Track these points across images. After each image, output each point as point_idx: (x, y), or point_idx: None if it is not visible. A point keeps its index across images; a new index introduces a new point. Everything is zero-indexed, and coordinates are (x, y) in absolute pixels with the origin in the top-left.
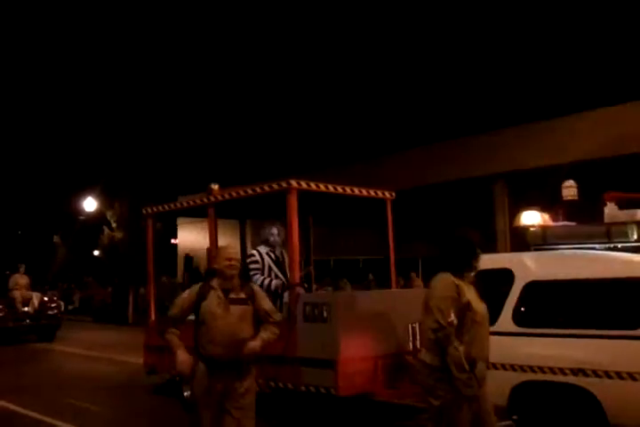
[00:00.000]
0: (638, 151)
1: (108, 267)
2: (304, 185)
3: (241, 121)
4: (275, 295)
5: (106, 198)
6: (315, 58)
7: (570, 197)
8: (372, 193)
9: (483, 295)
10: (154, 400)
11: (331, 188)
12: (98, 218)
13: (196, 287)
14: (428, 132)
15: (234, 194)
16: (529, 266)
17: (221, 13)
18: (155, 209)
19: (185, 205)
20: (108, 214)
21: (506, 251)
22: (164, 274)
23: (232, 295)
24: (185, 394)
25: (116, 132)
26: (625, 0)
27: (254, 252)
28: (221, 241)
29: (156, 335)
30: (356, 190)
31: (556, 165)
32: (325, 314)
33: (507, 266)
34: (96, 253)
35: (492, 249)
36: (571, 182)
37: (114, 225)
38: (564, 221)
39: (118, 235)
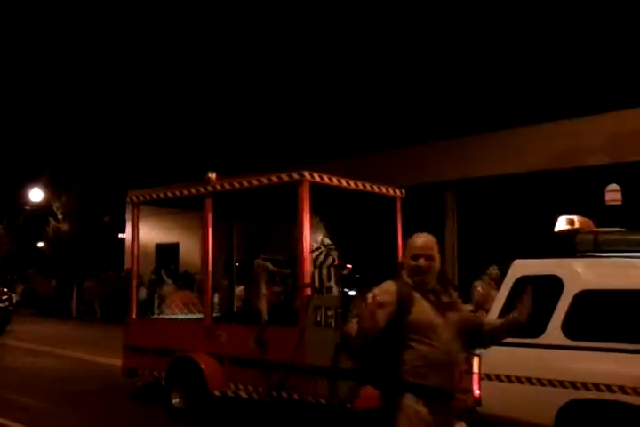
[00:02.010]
0: (588, 164)
1: (52, 259)
2: (317, 178)
3: (213, 110)
4: None
5: (53, 189)
6: (303, 51)
7: (613, 202)
8: (384, 190)
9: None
10: (134, 406)
11: (344, 182)
12: (44, 209)
13: (390, 286)
14: (386, 137)
15: (236, 184)
16: (580, 274)
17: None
18: (142, 197)
19: (177, 194)
20: (55, 206)
21: (453, 256)
22: (110, 269)
23: (444, 299)
24: (174, 402)
25: (67, 121)
26: (581, 17)
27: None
28: (187, 239)
29: (137, 335)
30: (368, 186)
31: (506, 175)
32: (338, 318)
33: (554, 273)
34: (40, 244)
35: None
36: (614, 186)
37: (60, 217)
38: (606, 226)
39: (64, 227)
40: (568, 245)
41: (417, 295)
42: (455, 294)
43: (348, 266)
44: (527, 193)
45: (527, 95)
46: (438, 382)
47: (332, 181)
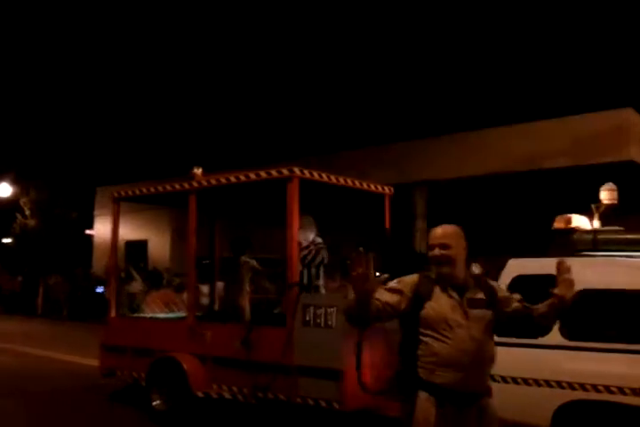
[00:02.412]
0: (549, 167)
1: (18, 255)
2: (307, 174)
3: (186, 107)
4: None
5: (21, 185)
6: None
7: (609, 201)
8: (372, 187)
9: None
10: (111, 408)
11: (333, 179)
12: (11, 204)
13: (410, 279)
14: (356, 136)
15: (222, 180)
16: (579, 273)
17: None
18: (124, 193)
19: (161, 190)
20: (22, 201)
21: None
22: (80, 266)
23: (469, 295)
24: (154, 403)
25: (35, 116)
26: (546, 21)
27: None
28: (156, 236)
29: (116, 334)
30: (357, 183)
31: (472, 177)
32: (330, 318)
33: (553, 272)
34: (7, 240)
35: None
36: (611, 185)
37: (27, 213)
38: (601, 225)
39: (31, 223)
40: (566, 244)
41: (437, 290)
42: (502, 289)
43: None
44: (493, 194)
45: (491, 98)
46: (449, 380)
47: (321, 177)
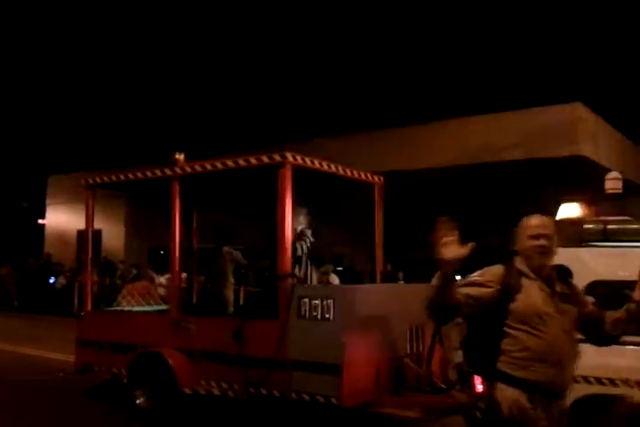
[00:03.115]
0: (504, 160)
1: None
2: (300, 160)
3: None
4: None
5: None
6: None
7: (613, 190)
8: (363, 176)
9: None
10: (92, 406)
11: (325, 165)
12: None
13: (497, 270)
14: (308, 127)
15: (208, 166)
16: (590, 264)
17: None
18: (98, 180)
19: (140, 176)
20: None
21: (380, 242)
22: (31, 256)
23: (558, 289)
24: (138, 401)
25: None
26: (495, 14)
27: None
28: (111, 225)
29: (92, 328)
30: (348, 171)
31: (425, 169)
32: (327, 311)
33: (564, 263)
34: None
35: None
36: (615, 174)
37: None
38: (606, 215)
39: None
40: (573, 235)
41: (526, 283)
42: (577, 286)
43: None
44: (451, 186)
45: (448, 90)
46: (542, 376)
47: (313, 163)
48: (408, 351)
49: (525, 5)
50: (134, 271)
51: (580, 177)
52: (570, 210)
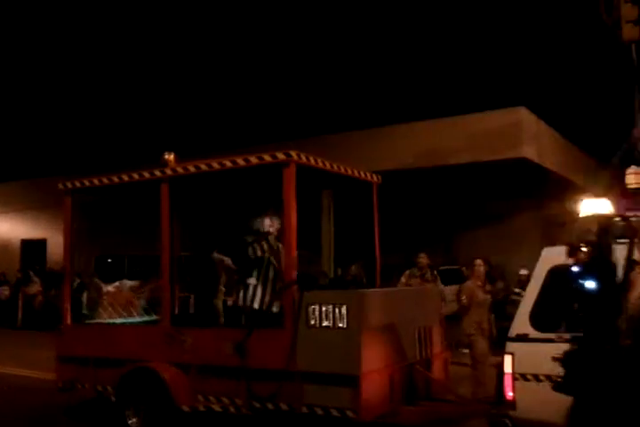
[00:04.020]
0: (451, 163)
1: None
2: (304, 159)
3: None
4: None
5: None
6: None
7: (635, 185)
8: (362, 175)
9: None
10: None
11: (328, 165)
12: None
13: None
14: (265, 132)
15: (203, 167)
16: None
17: None
18: (78, 184)
19: (126, 179)
20: None
21: (329, 247)
22: None
23: None
24: (130, 422)
25: None
26: (447, 19)
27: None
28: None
29: (74, 343)
30: (349, 170)
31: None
32: (340, 318)
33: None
34: None
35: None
36: (636, 168)
37: None
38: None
39: None
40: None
41: None
42: None
43: None
44: (400, 190)
45: (399, 95)
46: None
47: (317, 162)
48: (418, 357)
49: (480, 14)
50: (77, 280)
51: (525, 180)
52: (594, 206)
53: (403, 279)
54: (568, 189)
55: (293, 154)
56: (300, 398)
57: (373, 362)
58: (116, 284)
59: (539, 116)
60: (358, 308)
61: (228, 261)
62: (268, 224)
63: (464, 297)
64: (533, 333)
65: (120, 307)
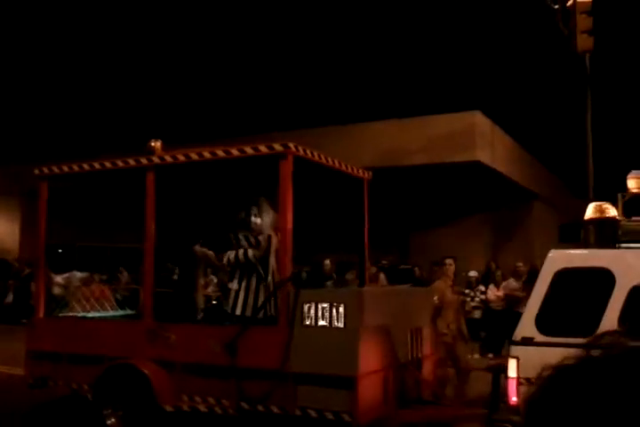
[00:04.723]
0: (410, 164)
1: None
2: (301, 151)
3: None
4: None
5: None
6: None
7: (637, 190)
8: (355, 171)
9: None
10: None
11: (323, 158)
12: None
13: None
14: (222, 127)
15: (193, 156)
16: (634, 266)
17: None
18: (57, 169)
19: (108, 166)
20: None
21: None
22: None
23: None
24: (109, 422)
25: None
26: (414, 22)
27: (231, 234)
28: (2, 224)
29: (46, 338)
30: (343, 165)
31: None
32: (339, 317)
33: (604, 265)
34: None
35: None
36: (636, 173)
37: None
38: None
39: None
40: (607, 235)
41: None
42: None
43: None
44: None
45: (356, 95)
46: None
47: (313, 155)
48: (409, 358)
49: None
50: (27, 270)
51: (479, 183)
52: (600, 209)
53: (349, 275)
54: (520, 194)
55: (291, 145)
56: (293, 400)
57: (370, 363)
58: (66, 275)
59: (494, 122)
60: (356, 307)
61: (211, 254)
62: (259, 221)
63: (435, 297)
64: (539, 336)
65: (95, 300)
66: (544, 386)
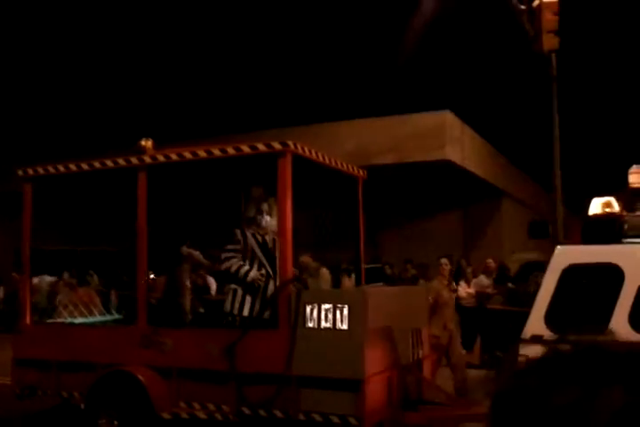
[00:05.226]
0: (376, 163)
1: None
2: (300, 149)
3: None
4: (251, 290)
5: None
6: None
7: (638, 184)
8: (349, 169)
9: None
10: None
11: (320, 156)
12: None
13: None
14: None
15: (187, 155)
16: None
17: None
18: (42, 170)
19: (97, 166)
20: None
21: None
22: None
23: None
24: None
25: None
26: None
27: (237, 230)
28: None
29: (34, 345)
30: (339, 163)
31: None
32: (342, 318)
33: (612, 261)
34: None
35: None
36: (638, 167)
37: None
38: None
39: None
40: (612, 230)
41: None
42: None
43: None
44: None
45: (326, 94)
46: None
47: (311, 153)
48: (411, 359)
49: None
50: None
51: (450, 182)
52: (604, 204)
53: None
54: (490, 191)
55: (290, 143)
56: (297, 405)
57: (375, 365)
58: (36, 279)
59: (463, 121)
60: (361, 308)
61: (199, 256)
62: (269, 219)
63: (430, 297)
64: (549, 334)
65: (83, 305)
66: (509, 380)
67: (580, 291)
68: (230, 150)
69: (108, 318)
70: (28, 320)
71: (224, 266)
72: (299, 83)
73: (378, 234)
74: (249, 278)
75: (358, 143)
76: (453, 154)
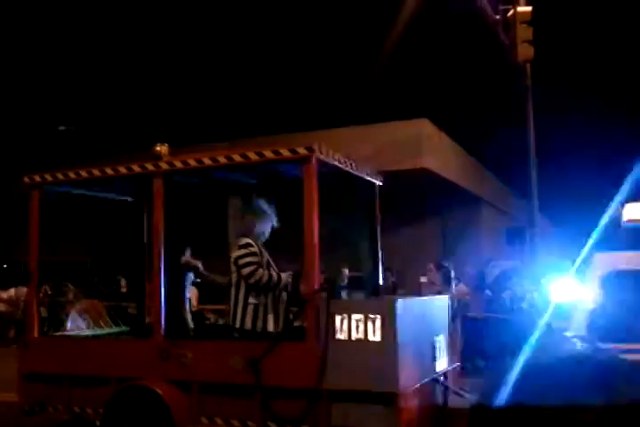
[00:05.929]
0: None
1: None
2: (325, 154)
3: None
4: (278, 301)
5: None
6: None
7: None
8: (366, 175)
9: None
10: None
11: (343, 161)
12: None
13: None
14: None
15: (206, 161)
16: None
17: None
18: (51, 178)
19: (110, 173)
20: None
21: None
22: None
23: None
24: None
25: None
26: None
27: (250, 241)
28: None
29: (43, 359)
30: (358, 168)
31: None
32: (375, 330)
33: None
34: None
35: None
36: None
37: None
38: None
39: None
40: None
41: None
42: None
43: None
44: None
45: (305, 103)
46: None
47: (334, 158)
48: (437, 370)
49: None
50: None
51: (428, 190)
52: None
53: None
54: (468, 199)
55: (315, 148)
56: (328, 420)
57: (409, 378)
58: (12, 291)
59: (441, 129)
60: (393, 319)
61: (198, 265)
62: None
63: None
64: (590, 339)
65: (91, 318)
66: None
67: (622, 298)
68: (252, 156)
69: (116, 329)
70: (35, 333)
71: (252, 280)
72: (278, 92)
73: (360, 242)
74: (283, 281)
75: (337, 151)
76: (431, 162)
